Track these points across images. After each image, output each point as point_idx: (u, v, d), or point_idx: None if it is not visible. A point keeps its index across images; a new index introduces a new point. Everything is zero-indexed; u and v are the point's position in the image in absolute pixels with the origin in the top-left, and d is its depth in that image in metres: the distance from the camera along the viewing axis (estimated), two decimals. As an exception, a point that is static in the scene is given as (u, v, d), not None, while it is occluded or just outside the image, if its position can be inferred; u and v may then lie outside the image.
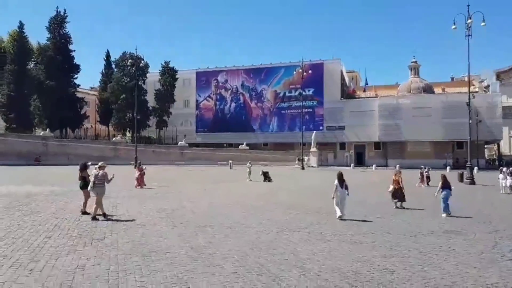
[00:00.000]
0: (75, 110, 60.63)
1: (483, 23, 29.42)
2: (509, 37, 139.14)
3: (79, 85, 64.38)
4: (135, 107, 48.92)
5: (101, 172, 10.66)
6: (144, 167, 21.55)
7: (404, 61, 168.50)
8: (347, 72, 73.40)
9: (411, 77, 68.29)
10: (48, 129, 52.57)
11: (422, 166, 28.32)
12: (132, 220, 10.18)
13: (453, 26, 30.74)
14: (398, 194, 13.23)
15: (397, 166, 17.48)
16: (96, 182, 10.44)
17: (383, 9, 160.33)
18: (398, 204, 13.30)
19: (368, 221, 10.86)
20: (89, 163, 11.99)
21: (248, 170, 28.22)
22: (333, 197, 11.12)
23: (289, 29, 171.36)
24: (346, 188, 11.06)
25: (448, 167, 49.36)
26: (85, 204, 11.02)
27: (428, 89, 65.66)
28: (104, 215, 10.37)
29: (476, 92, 62.09)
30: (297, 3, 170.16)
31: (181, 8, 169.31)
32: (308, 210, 12.76)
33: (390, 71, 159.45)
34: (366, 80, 68.74)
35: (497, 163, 61.54)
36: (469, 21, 29.61)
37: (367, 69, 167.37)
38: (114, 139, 59.81)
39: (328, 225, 10.11)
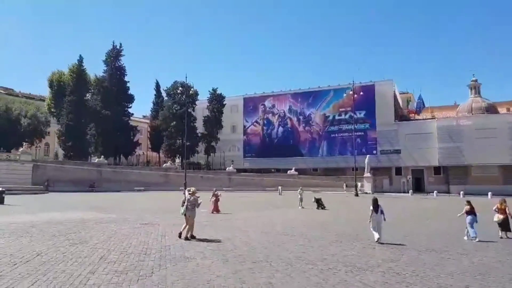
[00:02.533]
0: (128, 137, 63.15)
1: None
2: None
3: (132, 113, 67.35)
4: (184, 133, 49.76)
5: (192, 197, 11.50)
6: (219, 193, 22.21)
7: (461, 80, 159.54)
8: (400, 94, 70.29)
9: (471, 96, 63.91)
10: (102, 156, 54.87)
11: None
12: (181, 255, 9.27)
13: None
14: (504, 224, 13.09)
15: (502, 198, 15.91)
16: (189, 206, 11.33)
17: (437, 27, 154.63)
18: (503, 234, 13.08)
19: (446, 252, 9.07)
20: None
21: (299, 196, 26.86)
22: (369, 221, 11.71)
23: (338, 50, 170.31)
24: (382, 213, 11.60)
25: (521, 194, 44.47)
26: (185, 227, 11.64)
27: (491, 109, 60.90)
28: (193, 237, 11.23)
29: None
30: (345, 24, 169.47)
31: (227, 33, 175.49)
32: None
33: (446, 91, 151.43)
34: (422, 100, 64.89)
35: None
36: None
37: (421, 90, 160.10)
38: (164, 165, 61.16)
39: (403, 262, 8.53)
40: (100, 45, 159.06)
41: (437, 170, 59.35)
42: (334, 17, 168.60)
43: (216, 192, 21.94)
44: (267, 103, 70.69)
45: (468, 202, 12.92)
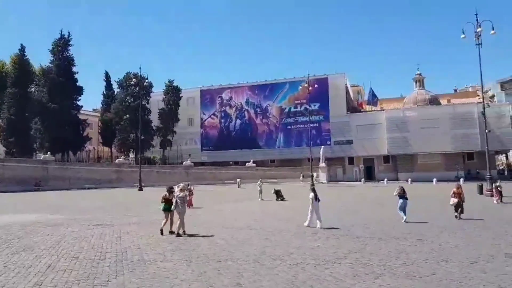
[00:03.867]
0: (77, 132, 59.67)
1: (492, 32, 28.57)
2: (509, 47, 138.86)
3: (81, 106, 63.64)
4: (139, 127, 47.77)
5: (181, 193, 11.56)
6: (192, 188, 22.33)
7: (407, 74, 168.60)
8: (351, 86, 72.53)
9: (416, 89, 67.48)
10: (49, 152, 51.33)
11: (488, 176, 26.58)
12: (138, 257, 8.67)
13: (462, 35, 30.02)
14: (459, 206, 14.43)
15: (457, 182, 18.31)
16: (178, 202, 11.34)
17: (384, 22, 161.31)
18: (458, 215, 14.35)
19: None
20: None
21: (259, 188, 26.81)
22: (310, 210, 12.81)
23: (292, 44, 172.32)
24: (319, 200, 12.92)
25: (461, 179, 47.75)
26: (171, 224, 11.75)
27: (434, 101, 64.73)
28: (184, 232, 11.28)
29: (482, 102, 61.09)
30: (299, 18, 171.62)
31: (183, 25, 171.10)
32: (338, 234, 11.24)
33: (394, 84, 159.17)
34: (372, 92, 67.38)
35: (506, 173, 60.18)
36: (478, 29, 28.85)
37: (371, 83, 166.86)
38: (117, 160, 58.51)
39: (369, 252, 8.57)
40: (47, 35, 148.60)
41: (386, 159, 62.19)
42: (290, 11, 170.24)
43: (189, 187, 21.34)
44: (225, 95, 69.91)
45: (401, 187, 14.35)
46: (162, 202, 12.04)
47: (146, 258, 8.28)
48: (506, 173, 61.65)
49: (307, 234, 11.26)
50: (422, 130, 56.22)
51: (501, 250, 8.73)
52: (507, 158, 66.88)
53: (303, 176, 54.15)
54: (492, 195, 24.75)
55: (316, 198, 12.79)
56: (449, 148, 56.30)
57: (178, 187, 12.00)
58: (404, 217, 13.46)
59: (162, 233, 11.39)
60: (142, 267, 7.50)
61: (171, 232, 11.53)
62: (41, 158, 50.20)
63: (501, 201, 20.73)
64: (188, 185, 22.32)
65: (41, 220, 15.60)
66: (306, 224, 12.71)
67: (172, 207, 11.52)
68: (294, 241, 10.25)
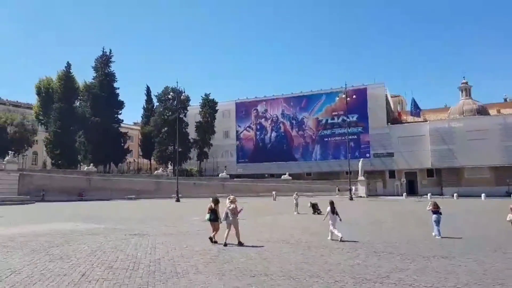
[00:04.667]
0: (119, 144, 62.07)
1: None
2: None
3: (122, 120, 66.33)
4: (176, 140, 48.86)
5: (232, 205, 11.74)
6: (236, 200, 21.59)
7: (451, 83, 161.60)
8: (391, 97, 70.43)
9: (462, 99, 64.35)
10: (91, 164, 53.64)
11: None
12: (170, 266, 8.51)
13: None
14: None
15: None
16: (229, 213, 11.60)
17: (427, 29, 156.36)
18: None
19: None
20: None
21: (295, 201, 26.17)
22: (324, 219, 13.38)
23: (329, 54, 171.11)
24: (337, 214, 12.88)
25: (512, 195, 44.49)
26: (214, 235, 11.88)
27: (482, 111, 61.29)
28: (240, 243, 11.40)
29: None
30: (335, 28, 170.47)
31: (219, 39, 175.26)
32: (378, 250, 10.52)
33: (438, 93, 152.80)
34: (414, 103, 64.74)
35: None
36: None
37: (412, 93, 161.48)
38: (156, 172, 60.04)
39: (413, 272, 7.86)
40: (90, 51, 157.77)
41: (430, 172, 59.43)
42: (326, 20, 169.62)
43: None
44: (260, 108, 70.23)
45: (434, 202, 14.15)
46: (208, 212, 12.15)
47: (179, 270, 8.09)
48: None
49: (345, 250, 10.64)
50: (469, 142, 53.38)
51: None
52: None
53: (338, 189, 52.80)
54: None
55: (333, 212, 12.86)
56: (499, 161, 52.96)
57: (228, 199, 12.13)
58: (438, 233, 13.26)
59: (211, 241, 11.74)
60: (174, 279, 7.30)
61: (215, 242, 11.69)
62: (85, 169, 52.54)
63: None
64: (230, 195, 22.25)
65: (81, 229, 16.01)
66: (329, 238, 12.76)
67: (222, 219, 11.76)
68: (332, 257, 9.69)
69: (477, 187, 51.12)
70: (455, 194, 47.22)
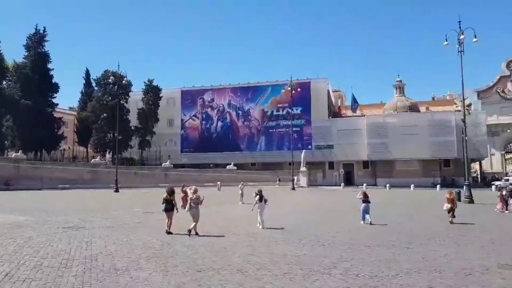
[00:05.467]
0: (52, 130, 57.56)
1: (475, 39, 29.10)
2: (485, 56, 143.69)
3: (57, 104, 61.44)
4: (116, 126, 46.31)
5: (195, 195, 11.77)
6: (187, 189, 20.79)
7: (388, 80, 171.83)
8: (333, 91, 73.11)
9: (396, 95, 68.70)
10: (20, 150, 49.08)
11: (499, 184, 26.46)
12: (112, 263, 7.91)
13: (445, 42, 30.35)
14: (452, 211, 14.87)
15: (449, 189, 19.65)
16: (192, 204, 11.63)
17: (368, 29, 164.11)
18: (452, 219, 14.75)
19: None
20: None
21: (240, 191, 26.08)
22: (252, 210, 13.87)
23: (275, 47, 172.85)
24: (265, 201, 13.74)
25: (437, 186, 48.57)
26: (169, 225, 11.91)
27: (413, 108, 65.96)
28: (197, 234, 11.41)
29: (459, 110, 62.72)
30: (282, 21, 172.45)
31: (165, 24, 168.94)
32: (323, 240, 10.76)
33: (375, 90, 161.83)
34: (353, 98, 68.03)
35: (479, 181, 61.77)
36: (461, 36, 29.32)
37: (352, 88, 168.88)
38: (93, 160, 56.63)
39: (359, 261, 8.09)
40: (22, 29, 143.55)
41: (365, 164, 62.81)
42: (273, 13, 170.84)
43: (184, 188, 20.54)
44: (206, 97, 69.08)
45: (364, 192, 15.23)
46: (163, 203, 12.11)
47: (119, 266, 7.53)
48: (479, 180, 63.23)
49: (291, 241, 10.72)
50: (401, 136, 57.01)
51: (494, 260, 8.43)
52: (480, 166, 68.83)
53: (279, 180, 53.95)
54: (470, 202, 25.14)
55: (261, 200, 13.52)
56: (426, 155, 57.30)
57: (190, 189, 12.37)
58: (368, 220, 14.28)
59: (168, 233, 11.67)
60: (112, 276, 6.75)
61: (169, 233, 11.69)
62: (12, 156, 47.97)
63: (506, 210, 19.42)
64: (183, 186, 21.71)
65: (7, 221, 14.48)
66: (258, 226, 13.29)
67: (186, 209, 12.05)
68: (279, 248, 9.68)
69: (407, 179, 54.81)
70: (387, 185, 50.38)
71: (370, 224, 14.00)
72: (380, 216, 15.81)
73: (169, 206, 11.98)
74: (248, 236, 11.54)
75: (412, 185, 48.12)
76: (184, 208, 18.58)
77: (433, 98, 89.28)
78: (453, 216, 14.77)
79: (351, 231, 12.88)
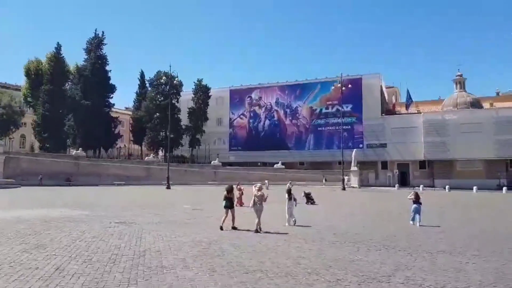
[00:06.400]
0: (109, 129, 60.73)
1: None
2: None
3: (113, 104, 64.82)
4: (168, 125, 47.82)
5: (259, 193, 12.12)
6: (242, 187, 22.16)
7: (445, 75, 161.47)
8: (386, 88, 69.77)
9: (456, 91, 64.01)
10: (80, 148, 52.38)
11: None
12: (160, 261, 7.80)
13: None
14: None
15: None
16: (256, 201, 11.99)
17: (422, 21, 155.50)
18: None
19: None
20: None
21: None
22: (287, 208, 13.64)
23: (325, 44, 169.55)
24: (294, 200, 13.95)
25: (504, 188, 44.54)
26: (224, 220, 12.23)
27: (476, 104, 61.02)
28: (260, 229, 11.75)
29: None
30: (332, 17, 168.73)
31: (214, 25, 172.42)
32: (378, 244, 9.94)
33: (432, 86, 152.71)
34: (408, 94, 64.40)
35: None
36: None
37: (407, 84, 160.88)
38: (146, 158, 59.02)
39: (420, 269, 7.27)
40: (82, 34, 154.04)
41: (422, 164, 59.21)
42: (322, 10, 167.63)
43: (239, 186, 21.56)
44: (254, 95, 69.17)
45: (416, 193, 14.88)
46: (224, 200, 12.53)
47: (165, 264, 7.38)
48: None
49: (345, 244, 10.03)
50: (462, 134, 53.04)
51: None
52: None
53: (325, 179, 52.43)
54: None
55: (290, 198, 13.61)
56: (491, 155, 52.79)
57: (255, 186, 12.57)
58: (417, 221, 13.96)
59: (221, 229, 11.88)
60: (159, 275, 6.58)
61: (234, 228, 12.13)
62: (73, 154, 51.30)
63: None
64: (238, 184, 22.63)
65: (65, 215, 15.21)
66: (286, 224, 13.32)
67: (250, 205, 12.33)
68: (331, 251, 9.06)
69: (468, 180, 50.94)
70: (446, 186, 47.11)
71: (419, 226, 13.62)
72: (445, 219, 14.52)
73: (229, 203, 12.37)
74: (297, 237, 11.01)
75: (474, 187, 44.60)
76: (240, 205, 18.84)
77: (497, 94, 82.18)
78: None
79: (408, 235, 11.89)
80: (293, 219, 13.50)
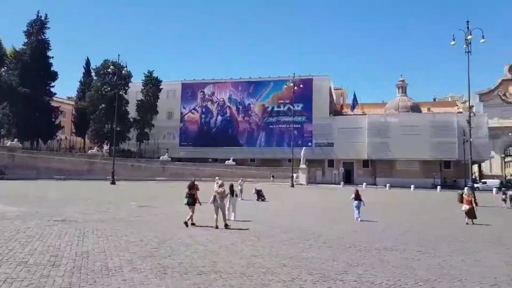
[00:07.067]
0: (49, 119, 56.55)
1: (483, 40, 28.59)
2: (488, 59, 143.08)
3: (55, 93, 60.51)
4: (115, 117, 45.51)
5: (221, 189, 12.20)
6: (197, 184, 20.90)
7: (390, 80, 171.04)
8: (334, 89, 72.37)
9: (398, 95, 67.95)
10: (16, 139, 48.24)
11: (470, 185, 27.42)
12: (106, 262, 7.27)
13: (453, 42, 29.64)
14: (470, 213, 14.93)
15: (466, 188, 21.93)
16: (217, 197, 11.96)
17: (370, 28, 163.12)
18: (469, 221, 14.88)
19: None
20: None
21: (239, 187, 25.43)
22: (229, 204, 13.80)
23: (278, 43, 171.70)
24: (236, 196, 15.13)
25: (438, 187, 48.20)
26: (191, 217, 12.08)
27: (415, 108, 65.28)
28: (226, 225, 11.94)
29: (461, 112, 62.24)
30: (285, 18, 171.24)
31: (167, 17, 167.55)
32: (329, 241, 10.15)
33: (376, 89, 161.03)
34: (355, 97, 67.38)
35: (479, 183, 61.31)
36: (469, 37, 28.77)
37: (354, 87, 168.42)
38: (90, 151, 55.78)
39: (371, 266, 7.49)
40: (23, 16, 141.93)
41: (365, 163, 62.16)
42: (276, 10, 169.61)
43: (196, 183, 20.64)
44: (207, 90, 68.16)
45: (356, 191, 16.12)
46: (186, 197, 12.49)
47: (111, 266, 6.90)
48: (479, 183, 62.78)
49: (297, 241, 10.11)
50: (402, 136, 56.38)
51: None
52: (480, 168, 68.48)
53: (273, 176, 53.45)
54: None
55: (232, 194, 14.12)
56: (427, 156, 56.74)
57: (217, 183, 12.77)
58: (358, 216, 15.09)
59: (186, 225, 11.84)
60: (104, 278, 6.11)
61: (193, 224, 12.07)
62: (8, 144, 47.14)
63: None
64: (194, 180, 21.23)
65: (-4, 212, 13.82)
66: (232, 218, 13.59)
67: (210, 201, 12.19)
68: (284, 249, 9.06)
69: (407, 179, 54.40)
70: (387, 185, 49.86)
71: (359, 221, 14.74)
72: (388, 217, 15.25)
73: (191, 200, 12.31)
74: (249, 235, 10.93)
75: (412, 186, 47.71)
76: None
77: (434, 99, 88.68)
78: (474, 217, 14.79)
79: (356, 231, 12.31)
80: (233, 214, 13.85)
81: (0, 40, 56.09)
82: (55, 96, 61.90)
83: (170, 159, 57.55)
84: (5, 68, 57.29)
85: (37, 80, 54.17)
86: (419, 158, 57.75)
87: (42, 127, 53.85)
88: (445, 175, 58.77)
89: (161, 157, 57.66)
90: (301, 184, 51.76)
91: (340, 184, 54.31)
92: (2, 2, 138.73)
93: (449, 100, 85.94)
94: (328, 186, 51.20)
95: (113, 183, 37.54)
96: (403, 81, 68.21)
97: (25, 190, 25.77)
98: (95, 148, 58.32)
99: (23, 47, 56.21)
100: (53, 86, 58.91)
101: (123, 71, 53.51)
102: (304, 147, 57.28)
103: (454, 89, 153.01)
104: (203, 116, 67.66)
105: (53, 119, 58.01)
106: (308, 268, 7.18)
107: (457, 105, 72.99)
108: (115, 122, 46.54)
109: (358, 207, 15.43)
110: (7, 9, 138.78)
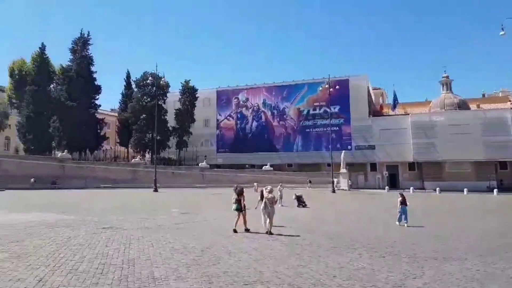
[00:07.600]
0: (95, 131, 59.39)
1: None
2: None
3: (99, 106, 63.48)
4: (155, 127, 46.89)
5: (270, 195, 12.25)
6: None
7: (432, 77, 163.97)
8: (373, 89, 70.11)
9: (443, 92, 64.33)
10: (66, 150, 50.99)
11: None
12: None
13: (501, 32, 27.58)
14: None
15: None
16: (267, 203, 12.07)
17: (409, 23, 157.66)
18: None
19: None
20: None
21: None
22: (263, 213, 12.63)
23: (312, 45, 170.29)
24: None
25: (495, 190, 44.41)
26: (237, 222, 12.29)
27: (463, 105, 61.48)
28: (271, 232, 11.86)
29: (513, 108, 57.93)
30: (320, 19, 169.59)
31: (202, 25, 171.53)
32: (379, 249, 9.57)
33: (418, 87, 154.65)
34: (395, 96, 64.80)
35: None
36: (518, 27, 26.71)
37: (394, 86, 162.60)
38: (133, 160, 57.84)
39: (431, 278, 6.90)
40: (67, 34, 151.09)
41: (411, 166, 59.15)
42: (309, 12, 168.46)
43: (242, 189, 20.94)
44: (241, 97, 68.61)
45: (402, 195, 15.47)
46: (234, 203, 12.62)
47: (157, 274, 6.85)
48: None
49: (344, 250, 9.63)
50: (450, 136, 53.10)
51: None
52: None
53: (310, 181, 52.02)
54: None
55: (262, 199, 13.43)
56: (480, 156, 52.67)
57: (266, 189, 12.67)
58: (405, 222, 14.73)
59: (235, 232, 11.94)
60: (151, 287, 6.05)
61: (247, 230, 12.20)
62: (59, 156, 49.93)
63: None
64: (237, 187, 21.30)
65: (49, 220, 14.41)
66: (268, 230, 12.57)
67: (261, 207, 12.43)
68: (332, 258, 8.63)
69: (458, 182, 50.65)
70: (437, 189, 46.92)
71: (406, 226, 14.26)
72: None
73: (239, 206, 12.43)
74: (294, 243, 10.57)
75: (465, 189, 44.41)
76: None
77: (483, 95, 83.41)
78: None
79: (408, 240, 11.58)
80: (268, 227, 12.89)
81: (49, 59, 59.98)
82: (100, 108, 64.91)
83: (208, 166, 58.32)
84: (54, 84, 60.97)
85: (83, 94, 57.08)
86: (470, 159, 53.75)
87: (89, 138, 56.55)
88: (502, 177, 54.44)
89: (199, 164, 58.56)
90: (343, 190, 50.23)
91: (384, 189, 52.15)
92: (47, 23, 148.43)
93: (500, 95, 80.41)
94: (371, 191, 49.32)
95: (155, 190, 38.57)
96: (447, 77, 64.65)
97: (75, 199, 26.97)
98: (137, 157, 60.40)
99: (69, 63, 59.60)
100: (97, 99, 61.83)
101: (161, 81, 55.12)
102: (343, 151, 55.66)
103: (504, 83, 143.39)
104: (238, 122, 68.05)
105: (98, 131, 60.79)
106: (361, 280, 6.74)
107: (510, 100, 68.02)
108: (155, 131, 47.92)
109: (405, 212, 14.94)
110: (52, 28, 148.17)
